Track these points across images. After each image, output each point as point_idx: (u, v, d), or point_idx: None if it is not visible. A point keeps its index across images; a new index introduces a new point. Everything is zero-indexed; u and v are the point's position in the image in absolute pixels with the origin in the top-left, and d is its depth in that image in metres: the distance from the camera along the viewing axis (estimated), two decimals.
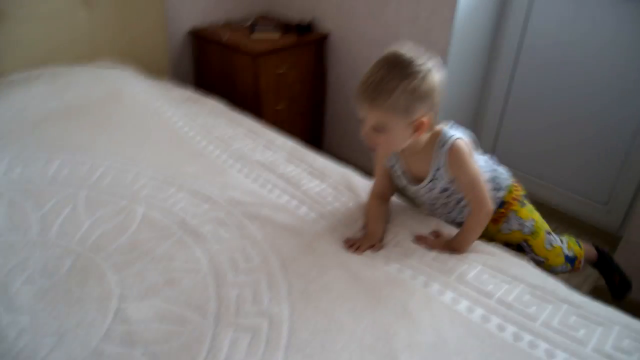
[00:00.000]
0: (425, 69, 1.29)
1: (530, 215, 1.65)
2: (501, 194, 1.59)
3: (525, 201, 1.66)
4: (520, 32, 2.54)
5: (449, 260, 1.44)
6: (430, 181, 1.48)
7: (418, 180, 1.52)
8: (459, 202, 1.56)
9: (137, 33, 2.47)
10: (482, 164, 1.54)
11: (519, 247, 1.68)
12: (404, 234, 1.52)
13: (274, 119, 2.73)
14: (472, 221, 1.46)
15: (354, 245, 1.45)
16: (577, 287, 2.31)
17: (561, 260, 1.71)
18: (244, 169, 1.79)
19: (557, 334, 1.23)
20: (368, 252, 1.45)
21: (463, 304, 1.29)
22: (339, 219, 1.57)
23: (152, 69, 2.58)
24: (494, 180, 1.56)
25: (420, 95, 1.28)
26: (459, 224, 1.57)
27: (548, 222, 2.78)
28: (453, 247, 1.46)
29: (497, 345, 1.19)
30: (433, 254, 1.45)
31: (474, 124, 2.87)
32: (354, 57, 2.73)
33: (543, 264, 1.66)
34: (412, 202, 1.66)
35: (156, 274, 1.32)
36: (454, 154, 1.40)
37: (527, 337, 1.21)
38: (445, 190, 1.51)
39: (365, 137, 1.36)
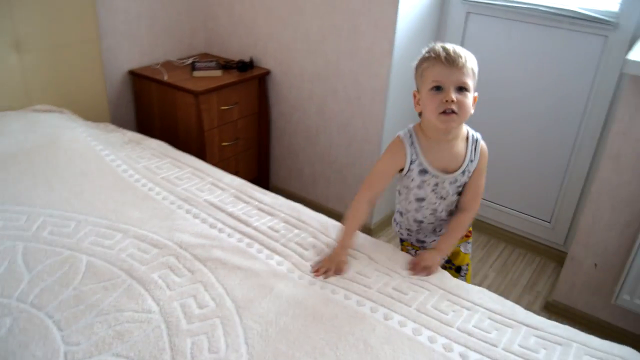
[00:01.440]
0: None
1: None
2: None
3: None
4: None
5: (410, 289, 1.44)
6: (462, 172, 1.51)
7: (446, 171, 1.51)
8: (449, 212, 1.61)
9: (73, 76, 2.40)
10: None
11: (457, 269, 1.76)
12: (364, 262, 1.52)
13: (220, 157, 2.70)
14: (465, 218, 1.55)
15: (320, 270, 1.47)
16: (530, 304, 2.37)
17: None
18: (192, 209, 1.74)
19: (520, 358, 1.23)
20: (328, 285, 1.43)
21: (425, 335, 1.28)
22: (292, 254, 1.55)
23: (92, 112, 2.50)
24: None
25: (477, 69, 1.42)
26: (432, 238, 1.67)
27: (497, 241, 2.85)
28: (441, 250, 1.54)
29: None
30: (393, 283, 1.45)
31: None
32: (296, 91, 2.74)
33: None
34: (419, 201, 1.60)
35: (105, 327, 1.25)
36: (485, 151, 1.54)
37: None
38: (461, 186, 1.55)
39: (446, 104, 1.37)
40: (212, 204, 1.77)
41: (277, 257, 1.53)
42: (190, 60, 2.79)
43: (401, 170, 1.53)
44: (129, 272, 1.44)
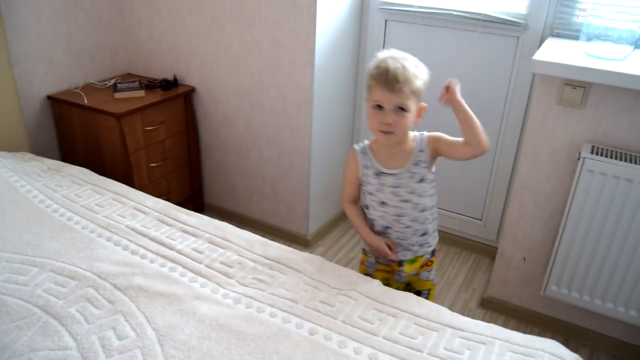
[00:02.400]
0: (422, 66, 1.54)
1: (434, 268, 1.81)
2: (436, 239, 1.75)
3: None
4: None
5: (336, 301, 1.43)
6: (414, 164, 1.58)
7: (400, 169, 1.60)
8: (422, 222, 1.64)
9: None
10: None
11: (417, 293, 1.77)
12: (292, 277, 1.50)
13: (149, 178, 2.63)
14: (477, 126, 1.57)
15: (388, 254, 1.62)
16: (467, 302, 2.42)
17: None
18: (113, 237, 1.69)
19: None
20: (254, 303, 1.42)
21: (350, 346, 1.28)
22: (216, 274, 1.52)
23: (8, 142, 2.40)
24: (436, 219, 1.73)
25: (424, 84, 1.52)
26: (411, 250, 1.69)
27: None
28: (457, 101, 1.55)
29: None
30: (321, 296, 1.44)
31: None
32: (223, 107, 2.72)
33: None
34: (382, 205, 1.65)
35: None
36: (432, 135, 1.61)
37: None
38: (422, 180, 1.60)
39: (383, 124, 1.50)
40: (134, 230, 1.72)
41: (200, 279, 1.50)
42: (112, 82, 2.72)
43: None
44: (45, 308, 1.39)
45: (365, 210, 1.71)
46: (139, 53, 2.86)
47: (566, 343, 2.18)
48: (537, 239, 2.16)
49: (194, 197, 2.98)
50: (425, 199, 1.62)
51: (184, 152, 2.83)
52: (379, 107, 1.49)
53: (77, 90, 2.61)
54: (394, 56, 1.50)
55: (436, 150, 1.60)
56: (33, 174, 2.04)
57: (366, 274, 1.74)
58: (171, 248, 1.63)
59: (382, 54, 1.52)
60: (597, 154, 1.85)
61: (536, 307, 2.27)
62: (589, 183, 1.87)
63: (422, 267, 1.74)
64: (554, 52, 1.94)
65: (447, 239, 2.84)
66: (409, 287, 1.79)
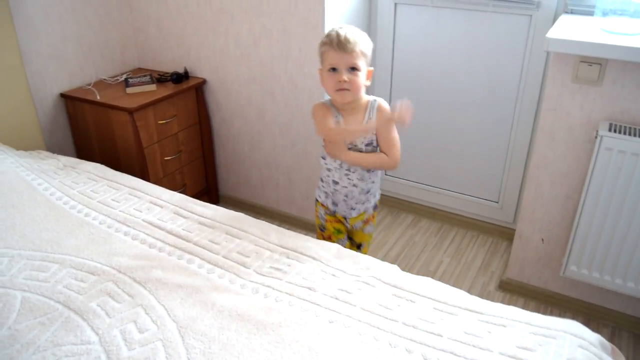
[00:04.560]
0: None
1: (374, 221, 2.01)
2: (378, 196, 1.95)
3: None
4: (391, 53, 2.64)
5: (354, 288, 1.43)
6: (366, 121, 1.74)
7: None
8: (367, 181, 1.81)
9: (0, 106, 2.32)
10: None
11: (358, 245, 2.02)
12: (309, 264, 1.50)
13: (164, 172, 2.65)
14: (382, 155, 1.74)
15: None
16: (485, 285, 2.41)
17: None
18: (131, 231, 1.70)
19: (464, 345, 1.24)
20: (272, 292, 1.42)
21: (369, 334, 1.27)
22: (234, 264, 1.53)
23: (24, 140, 2.43)
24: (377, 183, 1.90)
25: (370, 49, 1.69)
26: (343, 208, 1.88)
27: (450, 227, 2.88)
28: (349, 131, 1.72)
29: None
30: (339, 284, 1.44)
31: None
32: (234, 98, 2.71)
33: None
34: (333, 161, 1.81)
35: None
36: (383, 107, 1.75)
37: (435, 356, 1.21)
38: (369, 144, 1.76)
39: (340, 83, 1.65)
40: (150, 223, 1.73)
41: (218, 270, 1.50)
42: (123, 77, 2.73)
43: None
44: (66, 303, 1.40)
45: (322, 160, 1.85)
46: (149, 47, 2.86)
47: (587, 323, 2.17)
48: (555, 219, 2.14)
49: (209, 189, 2.99)
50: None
51: (198, 145, 2.84)
52: (333, 69, 1.65)
53: (90, 87, 2.62)
54: (340, 26, 1.67)
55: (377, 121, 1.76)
56: (49, 172, 2.06)
57: (319, 225, 1.97)
58: (188, 240, 1.64)
59: (333, 27, 1.69)
60: (615, 131, 1.82)
61: (556, 288, 2.25)
62: (607, 161, 1.84)
63: (366, 222, 1.94)
64: (568, 29, 1.90)
65: (464, 222, 2.82)
66: (350, 240, 2.00)
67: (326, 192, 1.90)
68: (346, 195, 1.84)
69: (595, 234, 1.95)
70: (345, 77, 1.64)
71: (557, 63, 1.91)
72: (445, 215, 2.87)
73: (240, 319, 1.32)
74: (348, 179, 1.81)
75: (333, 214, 1.91)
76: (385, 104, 1.76)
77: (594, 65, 1.83)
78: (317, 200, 1.96)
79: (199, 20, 2.63)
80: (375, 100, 1.76)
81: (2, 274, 1.51)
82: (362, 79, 1.67)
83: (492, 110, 2.51)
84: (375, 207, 1.96)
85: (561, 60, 1.90)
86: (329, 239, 1.94)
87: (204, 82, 2.75)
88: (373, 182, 1.85)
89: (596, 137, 1.84)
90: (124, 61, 2.87)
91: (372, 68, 1.73)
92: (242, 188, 2.98)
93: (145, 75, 2.68)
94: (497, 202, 2.69)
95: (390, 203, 3.01)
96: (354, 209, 1.88)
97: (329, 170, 1.83)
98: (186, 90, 2.66)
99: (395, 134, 1.75)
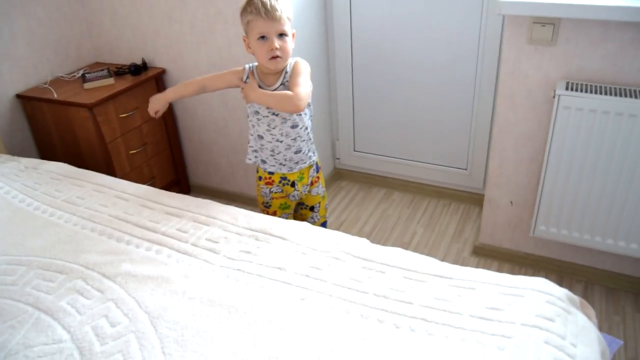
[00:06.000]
0: None
1: (323, 182, 2.05)
2: (316, 155, 1.97)
3: None
4: (349, 29, 2.63)
5: (325, 264, 1.44)
6: (282, 84, 1.77)
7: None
8: (294, 138, 1.82)
9: None
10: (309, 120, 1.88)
11: (311, 208, 2.05)
12: (279, 245, 1.50)
13: (131, 166, 2.61)
14: (283, 93, 1.71)
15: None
16: (460, 251, 2.44)
17: (325, 216, 2.14)
18: (97, 227, 1.68)
19: (435, 310, 1.26)
20: (243, 275, 1.42)
21: (342, 308, 1.29)
22: (203, 251, 1.52)
23: None
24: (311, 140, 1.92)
25: (292, 10, 1.73)
26: (272, 162, 1.89)
27: (422, 197, 2.90)
28: (259, 94, 1.74)
29: (379, 336, 1.20)
30: (309, 261, 1.45)
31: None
32: None
33: (318, 222, 2.10)
34: (256, 114, 1.83)
35: None
36: (296, 64, 1.78)
37: (407, 324, 1.23)
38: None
39: (272, 51, 1.67)
40: (117, 217, 1.71)
41: (187, 258, 1.50)
42: (80, 73, 2.68)
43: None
44: (36, 305, 1.38)
45: (248, 118, 1.88)
46: (104, 40, 2.80)
47: (560, 281, 2.21)
48: (521, 181, 2.17)
49: (179, 180, 2.97)
50: (294, 116, 1.79)
51: (163, 136, 2.81)
52: (263, 38, 1.67)
53: (46, 86, 2.56)
54: None
55: None
56: (10, 175, 2.02)
57: (263, 203, 1.98)
58: (155, 231, 1.63)
59: None
60: (572, 89, 1.85)
61: (528, 249, 2.29)
62: (567, 120, 1.86)
63: (311, 184, 1.97)
64: None
65: (435, 191, 2.85)
66: (302, 205, 2.05)
67: (255, 151, 1.91)
68: (272, 151, 1.84)
69: (560, 193, 1.99)
70: (277, 44, 1.67)
71: (511, 26, 1.92)
72: (416, 187, 2.89)
73: (211, 305, 1.32)
74: (271, 134, 1.81)
75: (281, 190, 1.93)
76: (302, 62, 1.79)
77: (547, 25, 1.85)
78: (258, 179, 1.96)
79: (152, 9, 2.58)
80: (293, 60, 1.79)
81: None
82: (291, 43, 1.72)
83: (454, 78, 2.52)
84: (317, 169, 1.99)
85: (515, 22, 1.91)
86: (274, 215, 1.96)
87: (163, 71, 2.71)
88: (300, 139, 1.84)
89: (554, 97, 1.86)
90: (80, 56, 2.81)
91: (294, 30, 1.76)
92: (212, 176, 2.96)
93: (102, 70, 2.63)
94: (466, 169, 2.72)
95: (361, 179, 3.02)
96: (284, 165, 1.87)
97: (252, 126, 1.85)
98: (146, 82, 2.62)
99: (303, 80, 1.75)
